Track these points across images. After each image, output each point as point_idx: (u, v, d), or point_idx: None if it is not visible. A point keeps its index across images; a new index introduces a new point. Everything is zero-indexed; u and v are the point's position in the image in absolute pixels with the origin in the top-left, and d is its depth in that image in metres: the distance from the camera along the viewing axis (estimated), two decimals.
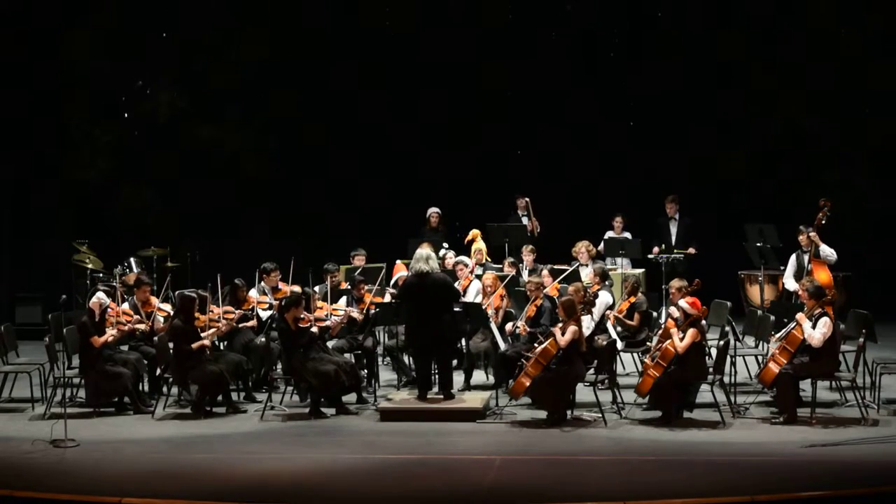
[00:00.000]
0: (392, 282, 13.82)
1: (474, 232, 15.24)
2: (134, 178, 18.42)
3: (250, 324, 12.93)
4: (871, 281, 15.64)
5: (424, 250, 12.14)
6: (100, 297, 12.13)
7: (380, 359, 13.47)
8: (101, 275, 16.20)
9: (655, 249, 16.06)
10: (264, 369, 12.68)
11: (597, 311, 12.39)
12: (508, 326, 12.63)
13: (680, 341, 11.12)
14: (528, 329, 12.22)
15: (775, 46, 17.69)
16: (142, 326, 12.60)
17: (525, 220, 16.68)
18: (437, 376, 11.98)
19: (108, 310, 12.20)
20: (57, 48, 17.05)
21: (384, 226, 17.28)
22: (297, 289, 12.90)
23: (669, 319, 11.56)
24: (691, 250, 15.92)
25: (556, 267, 14.16)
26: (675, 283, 12.14)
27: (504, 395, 11.90)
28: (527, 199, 16.75)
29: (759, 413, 11.56)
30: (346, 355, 12.59)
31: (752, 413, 11.56)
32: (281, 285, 13.27)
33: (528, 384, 11.24)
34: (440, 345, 11.83)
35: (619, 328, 12.76)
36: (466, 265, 13.66)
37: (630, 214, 16.45)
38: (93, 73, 17.86)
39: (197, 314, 12.07)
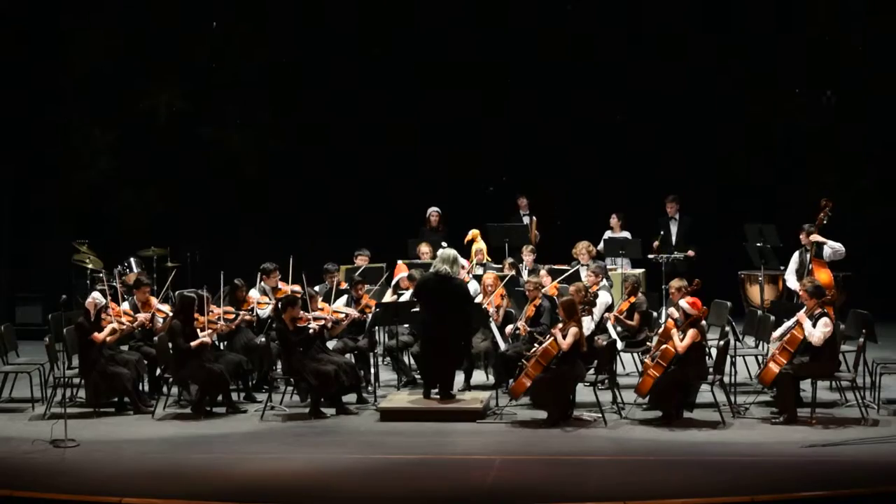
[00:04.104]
0: (394, 282, 13.81)
1: (474, 232, 15.25)
2: (134, 179, 18.44)
3: (249, 318, 12.88)
4: (871, 281, 15.63)
5: (451, 252, 12.10)
6: (95, 296, 12.11)
7: (380, 359, 13.47)
8: (101, 274, 16.20)
9: (655, 244, 16.04)
10: (264, 369, 12.68)
11: (597, 311, 12.39)
12: (508, 328, 12.62)
13: (680, 341, 11.13)
14: (528, 329, 12.22)
15: (775, 47, 17.70)
16: (143, 317, 12.58)
17: (526, 220, 16.68)
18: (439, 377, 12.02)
19: (108, 309, 12.19)
20: (57, 48, 17.05)
21: (384, 226, 17.27)
22: (297, 288, 12.90)
23: (669, 319, 11.56)
24: (690, 252, 15.90)
25: (555, 267, 14.17)
26: (675, 283, 12.15)
27: (504, 395, 11.90)
28: (524, 202, 16.75)
29: (759, 413, 11.56)
30: (346, 355, 12.59)
31: (752, 413, 11.56)
32: (281, 285, 13.27)
33: (528, 384, 11.24)
34: (448, 347, 11.84)
35: (619, 328, 12.76)
36: (463, 266, 13.66)
37: (630, 214, 16.45)
38: (93, 73, 17.87)
39: (196, 315, 12.07)
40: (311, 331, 11.92)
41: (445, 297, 11.76)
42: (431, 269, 12.11)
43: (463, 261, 13.89)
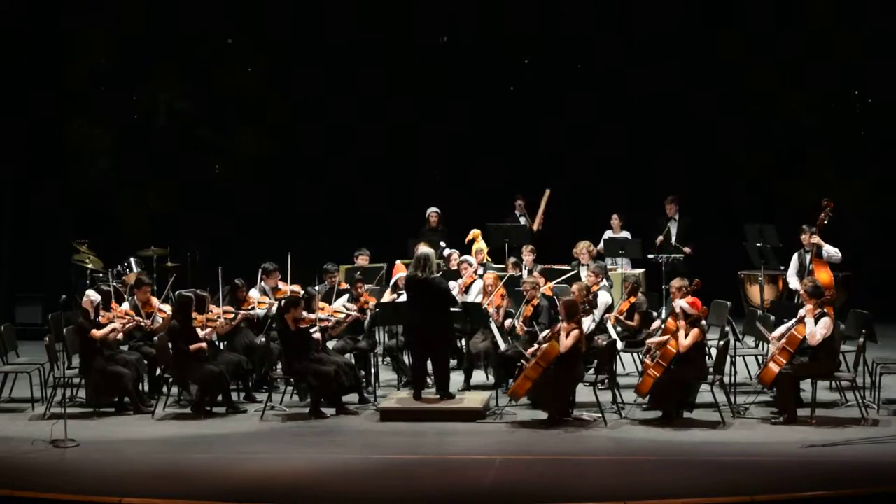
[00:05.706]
0: (392, 282, 13.81)
1: (475, 232, 15.25)
2: (134, 179, 18.44)
3: (251, 314, 12.89)
4: (871, 281, 15.63)
5: (422, 253, 11.96)
6: (90, 294, 12.10)
7: (380, 359, 13.47)
8: (100, 275, 16.19)
9: (660, 239, 16.04)
10: (264, 369, 12.68)
11: (597, 311, 12.38)
12: (507, 323, 12.63)
13: (684, 338, 11.12)
14: (526, 329, 12.21)
15: (775, 46, 17.70)
16: (146, 314, 12.57)
17: (522, 220, 16.67)
18: (433, 378, 12.01)
19: (110, 307, 12.19)
20: (57, 48, 17.05)
21: (384, 226, 17.28)
22: (297, 289, 12.89)
23: (671, 319, 11.55)
24: (687, 250, 15.91)
25: (554, 267, 14.16)
26: (676, 283, 12.14)
27: (504, 395, 11.89)
28: (521, 203, 16.76)
29: (759, 413, 11.56)
30: (346, 355, 12.59)
31: (752, 413, 11.56)
32: (281, 285, 13.27)
33: (528, 386, 11.23)
34: (434, 346, 11.84)
35: (619, 328, 12.76)
36: (471, 264, 13.67)
37: (630, 214, 16.45)
38: (93, 73, 17.86)
39: (195, 314, 12.06)
40: (313, 332, 11.92)
41: (423, 295, 11.73)
42: (410, 271, 12.05)
43: (472, 259, 13.90)
